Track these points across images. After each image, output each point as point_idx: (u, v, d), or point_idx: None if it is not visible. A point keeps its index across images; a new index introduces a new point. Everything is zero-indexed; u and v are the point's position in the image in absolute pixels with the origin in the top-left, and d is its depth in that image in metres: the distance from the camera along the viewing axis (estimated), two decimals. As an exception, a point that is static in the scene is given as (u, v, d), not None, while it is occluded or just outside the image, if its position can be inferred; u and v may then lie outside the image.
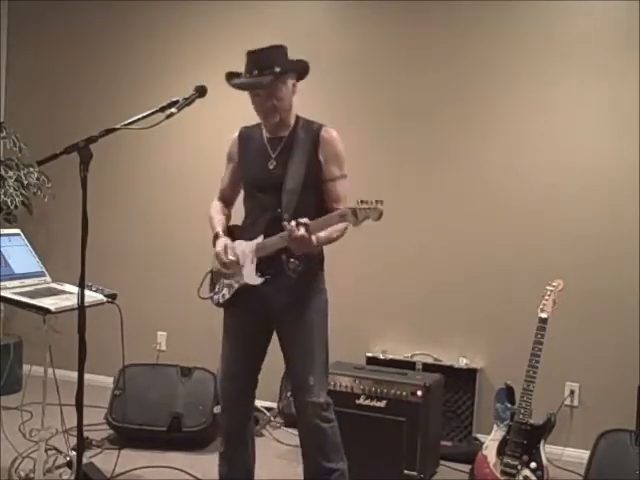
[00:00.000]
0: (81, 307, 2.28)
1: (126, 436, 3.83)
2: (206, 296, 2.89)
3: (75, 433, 2.40)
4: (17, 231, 3.38)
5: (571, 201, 3.97)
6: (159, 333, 4.85)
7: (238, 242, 2.78)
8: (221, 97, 4.31)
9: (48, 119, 5.03)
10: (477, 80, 4.15)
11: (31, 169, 4.68)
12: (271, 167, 2.75)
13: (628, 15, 3.83)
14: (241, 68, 4.55)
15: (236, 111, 4.58)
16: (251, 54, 2.71)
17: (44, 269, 3.30)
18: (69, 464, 3.21)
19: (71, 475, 3.15)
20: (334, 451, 2.78)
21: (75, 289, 2.44)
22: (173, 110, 2.34)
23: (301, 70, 2.77)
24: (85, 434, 3.00)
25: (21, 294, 2.98)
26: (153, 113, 2.35)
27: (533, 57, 4.03)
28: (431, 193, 4.23)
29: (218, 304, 2.87)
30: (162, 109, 2.36)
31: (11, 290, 3.00)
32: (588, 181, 3.94)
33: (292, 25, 4.49)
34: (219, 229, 2.84)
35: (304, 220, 2.49)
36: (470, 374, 4.05)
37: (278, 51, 2.72)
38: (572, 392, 3.96)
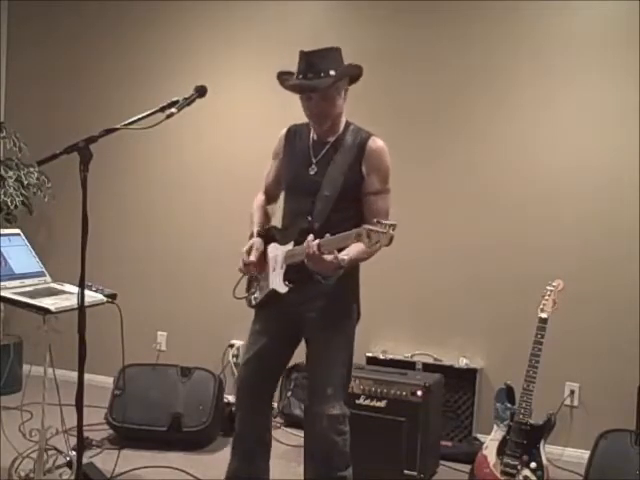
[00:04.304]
0: (81, 307, 2.29)
1: (126, 436, 3.83)
2: (241, 296, 2.86)
3: (75, 433, 2.40)
4: (17, 231, 3.37)
5: (571, 201, 3.97)
6: (159, 333, 4.85)
7: (273, 245, 2.74)
8: (221, 97, 4.34)
9: (48, 119, 5.03)
10: (477, 80, 4.15)
11: (31, 169, 4.68)
12: (312, 172, 2.68)
13: (628, 15, 3.83)
14: (241, 69, 4.62)
15: (236, 111, 4.63)
16: (306, 55, 2.59)
17: (44, 269, 3.30)
18: (69, 464, 3.20)
19: (71, 475, 3.15)
20: (342, 460, 2.73)
21: (75, 289, 2.43)
22: (173, 110, 2.34)
23: (355, 75, 2.68)
24: (85, 434, 3.00)
25: (21, 294, 2.97)
26: (153, 113, 2.35)
27: (534, 56, 4.03)
28: (430, 193, 4.23)
29: (250, 305, 2.84)
30: (162, 109, 2.36)
31: (11, 290, 2.99)
32: (588, 181, 3.94)
33: (292, 25, 4.50)
34: (254, 229, 2.79)
35: (314, 240, 2.42)
36: (470, 374, 4.05)
37: (334, 54, 2.62)
38: (572, 392, 3.96)
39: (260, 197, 2.94)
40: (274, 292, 2.70)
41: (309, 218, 2.63)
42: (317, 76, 2.55)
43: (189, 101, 2.43)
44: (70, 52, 5.04)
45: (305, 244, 2.45)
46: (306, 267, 2.56)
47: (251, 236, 2.78)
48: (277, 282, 2.68)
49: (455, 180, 4.20)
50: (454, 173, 4.20)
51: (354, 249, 2.48)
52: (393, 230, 2.24)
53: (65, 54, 5.06)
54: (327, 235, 2.42)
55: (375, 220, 2.27)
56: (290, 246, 2.66)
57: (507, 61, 4.10)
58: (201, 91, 2.49)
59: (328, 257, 2.42)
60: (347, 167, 2.63)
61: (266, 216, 2.89)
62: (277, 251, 2.72)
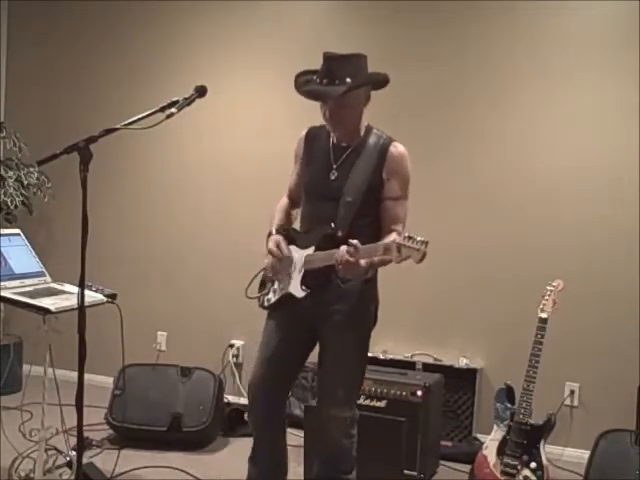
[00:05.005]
0: (81, 307, 2.29)
1: (126, 436, 3.83)
2: (253, 296, 2.82)
3: (75, 433, 2.40)
4: (17, 231, 3.37)
5: (571, 201, 3.97)
6: (159, 333, 4.84)
7: (292, 247, 2.71)
8: (221, 97, 4.34)
9: (48, 119, 5.03)
10: (476, 79, 4.15)
11: (31, 169, 4.68)
12: (332, 177, 2.64)
13: (628, 15, 3.83)
14: (240, 70, 4.61)
15: (236, 111, 4.63)
16: (327, 59, 2.55)
17: (44, 269, 3.30)
18: (69, 464, 3.20)
19: (71, 475, 3.15)
20: (348, 463, 2.72)
21: (75, 289, 2.43)
22: (173, 110, 2.34)
23: (377, 83, 2.65)
24: (85, 434, 3.00)
25: (21, 294, 2.97)
26: (153, 113, 2.35)
27: (532, 56, 4.03)
28: (429, 193, 4.21)
29: (263, 306, 2.80)
30: (162, 109, 2.35)
31: (11, 290, 2.99)
32: (588, 181, 3.94)
33: (292, 25, 4.50)
34: (273, 228, 2.75)
35: (354, 242, 2.37)
36: (470, 374, 4.05)
37: (354, 61, 2.57)
38: (572, 392, 3.96)
39: (284, 200, 2.89)
40: (289, 295, 2.66)
41: (332, 225, 2.59)
42: (332, 83, 2.51)
43: (189, 101, 2.42)
44: (70, 52, 5.04)
45: (338, 252, 2.40)
46: (325, 273, 2.54)
47: (269, 235, 2.74)
48: (294, 286, 2.64)
49: (455, 180, 4.20)
50: (453, 173, 4.20)
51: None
52: (426, 247, 2.22)
53: (65, 54, 5.06)
54: (358, 242, 2.38)
55: (407, 235, 2.24)
56: (310, 251, 2.62)
57: (505, 61, 4.10)
58: (201, 91, 2.49)
59: (362, 262, 2.40)
60: (369, 172, 2.60)
61: (287, 219, 2.85)
62: (295, 254, 2.68)
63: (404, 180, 2.64)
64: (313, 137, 2.77)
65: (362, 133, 2.67)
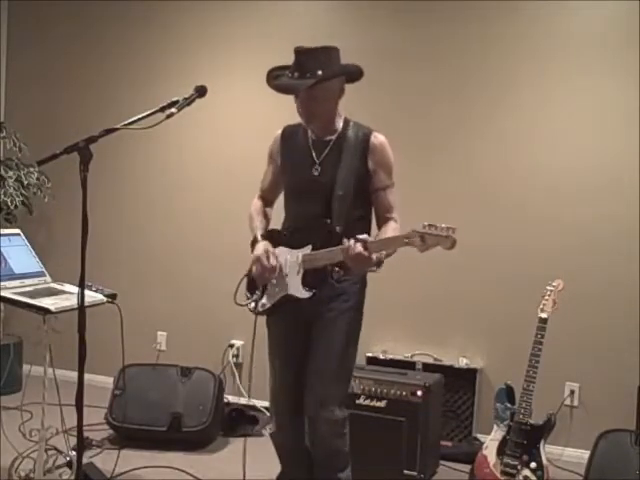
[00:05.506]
0: (81, 307, 2.29)
1: (126, 436, 3.83)
2: (243, 302, 2.77)
3: (75, 433, 2.41)
4: (17, 231, 3.38)
5: (571, 201, 3.97)
6: (159, 333, 4.84)
7: (280, 249, 2.67)
8: (220, 97, 4.34)
9: (48, 119, 5.03)
10: (476, 80, 4.15)
11: (31, 169, 4.68)
12: (316, 173, 2.64)
13: (628, 15, 3.83)
14: (240, 70, 4.61)
15: (236, 111, 4.63)
16: (297, 53, 2.55)
17: (44, 269, 3.30)
18: (69, 464, 3.20)
19: (71, 475, 3.15)
20: (342, 461, 2.73)
21: (75, 289, 2.44)
22: (173, 110, 2.34)
23: (350, 74, 2.64)
24: (85, 434, 3.01)
25: (21, 294, 2.98)
26: (153, 113, 2.35)
27: (533, 56, 4.03)
28: (429, 193, 4.22)
29: (257, 312, 2.76)
30: (162, 109, 2.36)
31: (11, 290, 2.99)
32: (589, 181, 3.94)
33: (292, 25, 4.49)
34: (258, 233, 2.73)
35: (363, 237, 2.39)
36: (470, 374, 4.05)
37: (325, 54, 2.56)
38: (572, 392, 3.96)
39: (257, 202, 2.89)
40: (289, 297, 2.63)
41: (328, 220, 2.58)
42: (303, 76, 2.52)
43: (189, 101, 2.43)
44: (70, 52, 5.05)
45: (348, 245, 2.40)
46: (322, 270, 2.54)
47: (254, 241, 2.72)
48: (295, 287, 2.61)
49: (454, 180, 4.19)
50: (453, 173, 4.20)
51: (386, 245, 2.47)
52: (454, 233, 2.21)
53: (65, 54, 5.06)
54: (367, 236, 2.42)
55: (427, 224, 2.25)
56: (307, 250, 2.60)
57: (505, 61, 4.09)
58: (201, 91, 2.49)
59: (374, 256, 2.41)
60: (354, 166, 2.62)
61: (266, 220, 2.85)
62: (288, 255, 2.65)
63: (389, 168, 2.69)
64: (289, 135, 2.77)
65: (340, 126, 2.68)
